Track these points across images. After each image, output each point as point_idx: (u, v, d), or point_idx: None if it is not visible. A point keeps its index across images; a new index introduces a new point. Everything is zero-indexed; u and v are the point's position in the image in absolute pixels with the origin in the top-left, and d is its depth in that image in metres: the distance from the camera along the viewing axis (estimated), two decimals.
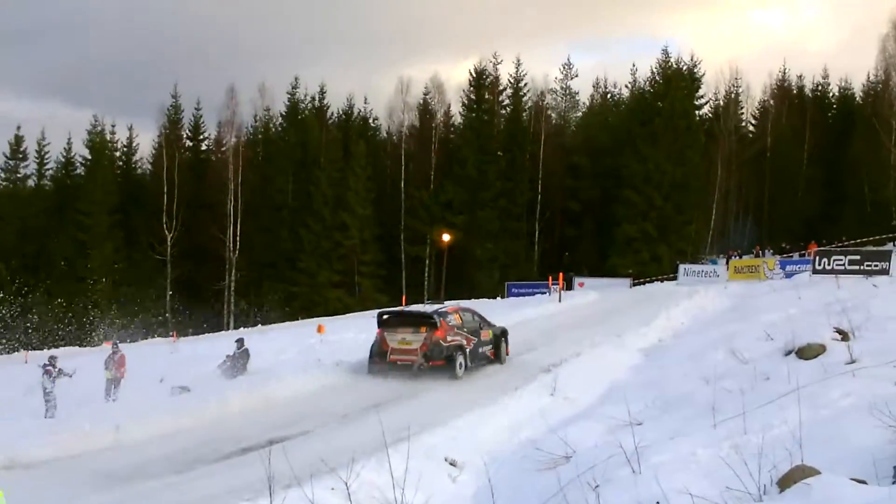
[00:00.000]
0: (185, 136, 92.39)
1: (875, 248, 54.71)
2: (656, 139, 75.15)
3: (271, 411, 21.28)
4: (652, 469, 11.27)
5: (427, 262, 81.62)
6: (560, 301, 49.30)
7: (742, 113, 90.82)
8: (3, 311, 60.82)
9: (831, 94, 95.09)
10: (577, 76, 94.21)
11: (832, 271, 40.44)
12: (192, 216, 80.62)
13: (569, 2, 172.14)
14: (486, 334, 28.36)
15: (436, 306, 29.76)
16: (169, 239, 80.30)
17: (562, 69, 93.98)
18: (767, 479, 9.50)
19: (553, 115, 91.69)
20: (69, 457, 17.26)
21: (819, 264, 43.07)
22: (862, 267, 40.75)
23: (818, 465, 9.37)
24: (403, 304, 61.94)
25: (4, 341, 59.90)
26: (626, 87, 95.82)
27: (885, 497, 8.21)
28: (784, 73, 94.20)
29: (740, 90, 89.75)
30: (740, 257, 65.14)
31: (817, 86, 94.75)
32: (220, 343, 41.98)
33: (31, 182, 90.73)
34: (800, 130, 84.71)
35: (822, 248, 51.16)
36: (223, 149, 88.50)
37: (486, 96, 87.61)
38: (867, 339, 17.64)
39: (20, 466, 16.43)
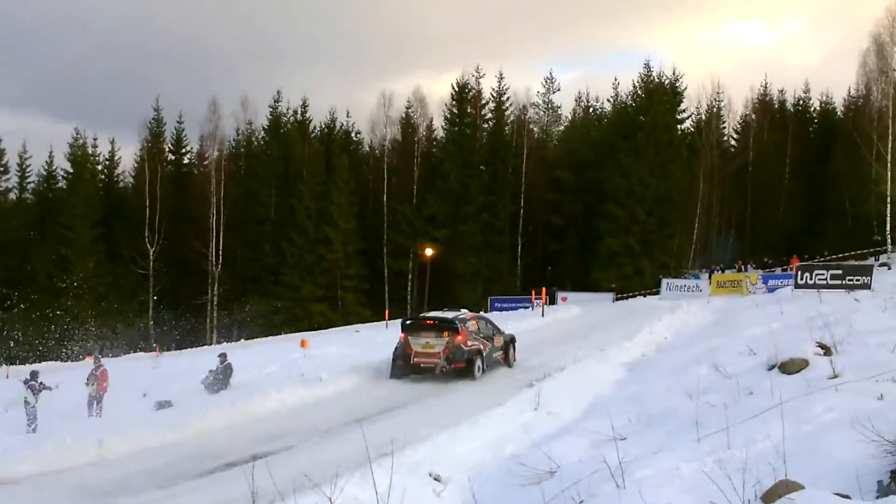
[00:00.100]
0: (167, 149, 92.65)
1: (857, 263, 55.02)
2: (639, 153, 75.25)
3: (254, 426, 21.23)
4: (636, 484, 11.27)
5: (410, 276, 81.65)
6: (543, 315, 49.28)
7: (724, 127, 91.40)
8: None
9: (813, 109, 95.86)
10: (559, 90, 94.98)
11: (814, 286, 40.55)
12: (175, 230, 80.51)
13: (551, 16, 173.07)
14: (499, 340, 30.41)
15: (454, 313, 30.70)
16: (151, 253, 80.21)
17: (544, 83, 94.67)
18: (751, 494, 9.50)
19: (535, 128, 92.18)
20: (51, 472, 17.19)
21: (801, 279, 43.16)
22: (844, 281, 40.85)
23: (802, 480, 9.38)
24: (386, 318, 61.91)
25: None
26: (609, 101, 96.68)
27: None
28: (765, 87, 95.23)
29: (722, 104, 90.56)
30: (723, 272, 65.25)
31: (799, 100, 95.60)
32: (203, 358, 41.98)
33: (12, 195, 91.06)
34: (781, 145, 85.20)
35: (804, 263, 51.35)
36: (205, 162, 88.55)
37: (469, 110, 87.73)
38: (849, 354, 17.68)
39: (1, 482, 16.37)
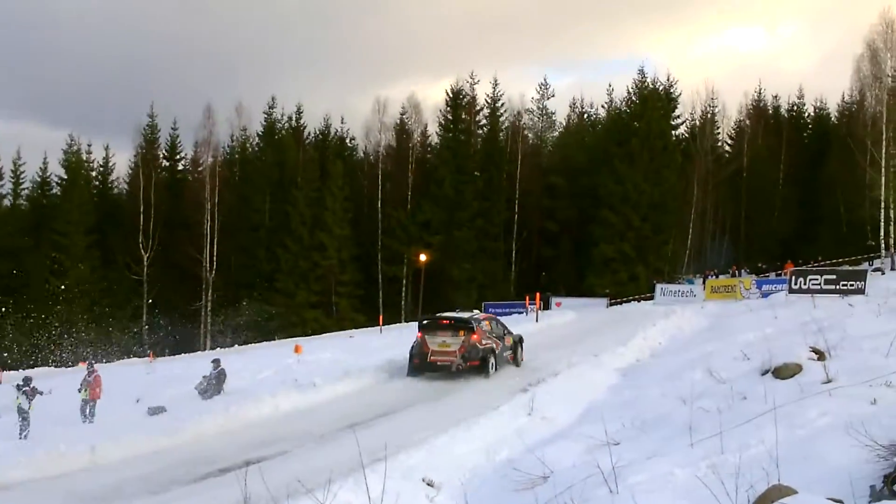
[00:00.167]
0: (161, 155, 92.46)
1: (851, 268, 55.04)
2: (633, 159, 75.35)
3: (248, 431, 21.22)
4: (629, 489, 11.26)
5: (404, 281, 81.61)
6: (537, 321, 49.23)
7: (718, 133, 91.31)
8: None
9: (807, 115, 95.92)
10: (553, 96, 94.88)
11: (808, 291, 40.59)
12: (169, 236, 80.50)
13: (545, 22, 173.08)
14: (508, 340, 31.55)
15: (468, 314, 32.40)
16: (145, 259, 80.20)
17: (538, 89, 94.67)
18: (745, 499, 9.50)
19: (530, 135, 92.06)
20: (44, 478, 17.19)
21: (795, 284, 43.21)
22: (838, 286, 40.91)
23: (795, 485, 9.37)
24: (380, 323, 61.92)
25: None
26: (603, 107, 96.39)
27: None
28: (759, 93, 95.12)
29: (716, 110, 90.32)
30: (717, 277, 65.30)
31: (793, 106, 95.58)
32: (197, 363, 41.99)
33: (6, 202, 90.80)
34: (776, 150, 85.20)
35: (798, 268, 51.38)
36: (200, 168, 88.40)
37: (463, 116, 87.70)
38: (843, 359, 17.68)
39: None
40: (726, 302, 51.78)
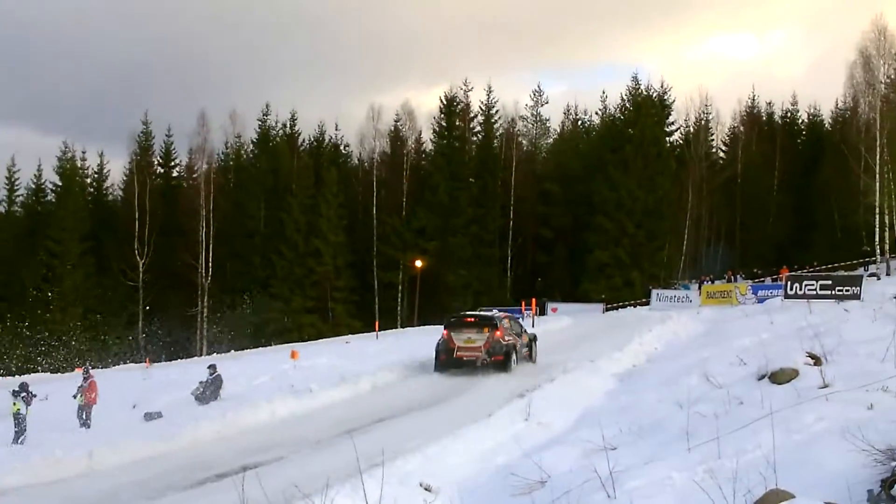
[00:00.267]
0: (156, 162, 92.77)
1: (846, 274, 55.15)
2: (627, 166, 75.41)
3: (245, 437, 21.23)
4: (627, 494, 11.27)
5: (400, 287, 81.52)
6: (533, 326, 49.19)
7: (712, 139, 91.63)
8: None
9: (800, 121, 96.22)
10: (547, 103, 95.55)
11: (804, 296, 40.56)
12: (164, 242, 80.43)
13: (539, 29, 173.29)
14: (525, 338, 33.75)
15: (489, 313, 35.06)
16: (141, 265, 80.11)
17: (532, 96, 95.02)
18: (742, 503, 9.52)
19: (524, 141, 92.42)
20: (41, 484, 17.19)
21: (791, 289, 43.21)
22: (833, 292, 40.87)
23: (792, 490, 9.38)
24: (376, 329, 61.93)
25: None
26: (597, 113, 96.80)
27: None
28: (753, 99, 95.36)
29: (710, 117, 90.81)
30: (712, 282, 65.42)
31: (786, 112, 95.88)
32: (193, 369, 41.96)
33: (1, 209, 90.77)
34: (770, 157, 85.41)
35: (793, 274, 51.47)
36: (195, 175, 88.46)
37: (458, 123, 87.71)
38: (839, 364, 17.69)
39: None
40: (722, 307, 51.82)
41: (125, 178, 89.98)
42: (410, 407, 24.30)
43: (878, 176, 62.94)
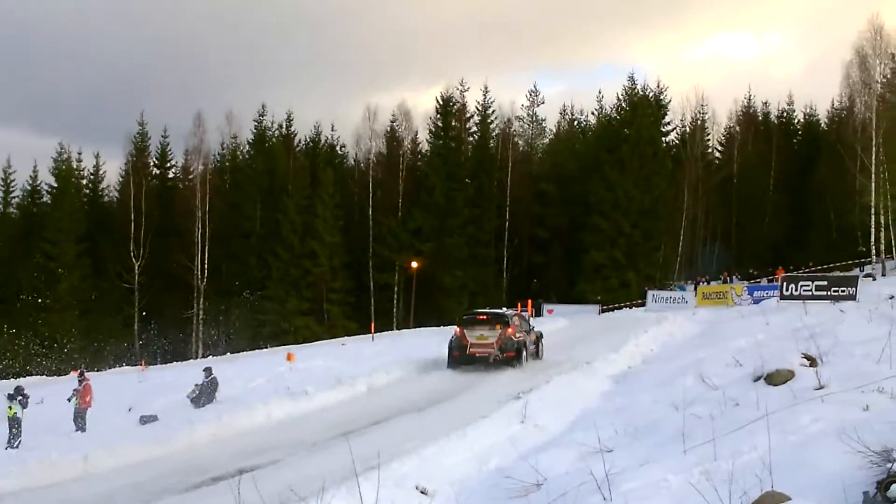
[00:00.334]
0: (152, 163, 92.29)
1: (841, 274, 55.09)
2: (623, 166, 75.28)
3: (240, 440, 21.23)
4: (623, 496, 11.27)
5: (396, 289, 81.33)
6: None
7: (708, 139, 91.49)
8: None
9: (796, 121, 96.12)
10: (543, 103, 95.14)
11: (800, 297, 40.46)
12: (160, 244, 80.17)
13: (535, 30, 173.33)
14: (533, 336, 34.82)
15: (499, 311, 36.45)
16: (136, 267, 79.85)
17: (528, 96, 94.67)
18: None
19: (520, 142, 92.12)
20: (37, 487, 17.21)
21: (786, 290, 43.10)
22: (829, 293, 40.81)
23: (788, 492, 9.38)
24: (372, 331, 61.90)
25: None
26: (593, 113, 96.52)
27: None
28: (749, 99, 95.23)
29: (706, 117, 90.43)
30: (708, 283, 65.35)
31: (782, 112, 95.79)
32: (189, 372, 41.92)
33: None
34: (766, 156, 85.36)
35: (789, 274, 51.38)
36: (190, 176, 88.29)
37: (454, 123, 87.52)
38: (835, 365, 17.70)
39: None
40: (718, 308, 51.85)
41: (121, 180, 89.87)
42: (406, 409, 24.28)
43: (873, 176, 62.92)
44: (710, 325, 41.24)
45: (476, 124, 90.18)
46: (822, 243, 74.13)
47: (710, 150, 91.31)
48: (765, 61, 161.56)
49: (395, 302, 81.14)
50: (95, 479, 17.73)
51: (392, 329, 71.84)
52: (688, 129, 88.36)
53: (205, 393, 32.13)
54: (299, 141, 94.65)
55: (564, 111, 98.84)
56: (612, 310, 65.07)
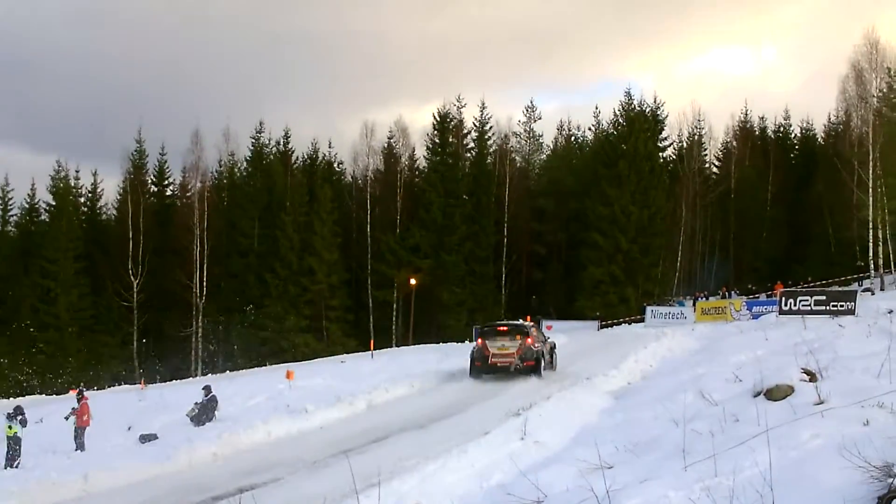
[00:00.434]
0: (150, 181, 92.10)
1: (840, 289, 55.03)
2: (621, 181, 75.31)
3: (240, 458, 21.21)
4: None
5: (394, 305, 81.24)
6: None
7: (705, 154, 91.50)
8: None
9: (793, 135, 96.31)
10: (540, 119, 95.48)
11: (798, 312, 40.55)
12: (159, 262, 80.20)
13: (532, 45, 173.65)
14: (548, 346, 35.95)
15: (519, 322, 37.98)
16: (135, 285, 79.76)
17: (525, 112, 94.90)
18: None
19: (517, 158, 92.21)
20: None
21: (785, 305, 43.20)
22: (828, 307, 40.87)
23: None
24: (371, 348, 61.85)
25: None
26: (590, 129, 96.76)
27: None
28: (746, 114, 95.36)
29: (703, 132, 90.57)
30: (707, 299, 65.31)
31: (779, 127, 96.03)
32: (188, 390, 41.91)
33: None
34: (763, 171, 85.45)
35: (788, 289, 51.39)
36: (188, 194, 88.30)
37: (451, 139, 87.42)
38: (835, 380, 17.68)
39: None
40: (717, 324, 51.86)
41: (119, 198, 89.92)
42: (406, 426, 24.29)
43: (871, 190, 63.02)
44: (710, 340, 41.21)
45: (473, 140, 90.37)
46: (820, 258, 74.26)
47: (707, 166, 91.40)
48: (761, 76, 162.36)
49: (393, 319, 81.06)
50: (95, 499, 17.72)
51: (391, 346, 71.79)
52: (685, 145, 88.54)
53: (204, 411, 32.09)
54: (297, 158, 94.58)
55: (561, 127, 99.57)
56: (612, 326, 65.10)
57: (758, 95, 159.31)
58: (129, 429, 32.16)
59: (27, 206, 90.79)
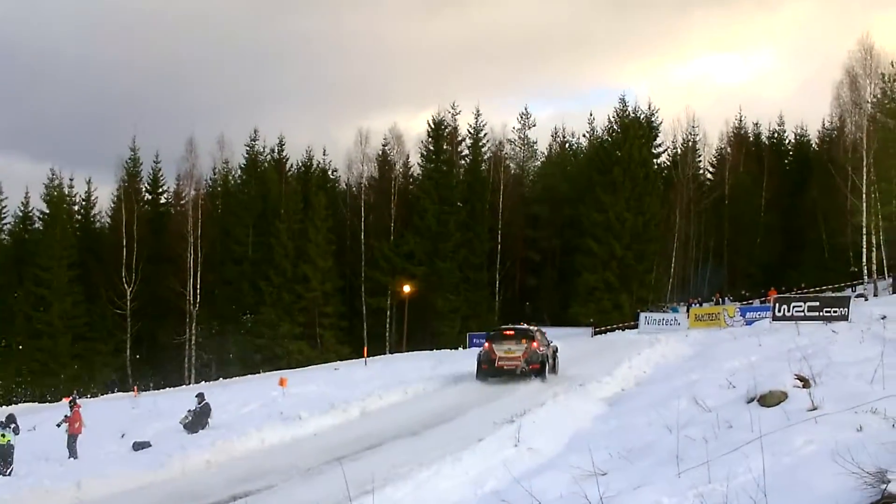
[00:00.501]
0: (144, 188, 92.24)
1: (833, 295, 55.09)
2: (615, 188, 75.22)
3: (234, 465, 21.18)
4: None
5: (388, 312, 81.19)
6: None
7: (699, 161, 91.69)
8: None
9: (787, 141, 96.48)
10: (534, 125, 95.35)
11: (792, 318, 40.59)
12: (152, 270, 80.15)
13: (527, 52, 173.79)
14: (551, 350, 37.13)
15: (525, 327, 38.93)
16: (129, 293, 79.71)
17: (519, 119, 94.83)
18: None
19: (512, 164, 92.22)
20: None
21: (779, 311, 43.27)
22: (821, 313, 40.93)
23: None
24: (365, 355, 61.82)
25: None
26: (584, 136, 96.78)
27: None
28: (740, 120, 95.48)
29: (697, 138, 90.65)
30: (701, 305, 65.37)
31: (773, 133, 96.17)
32: (182, 397, 41.90)
33: None
34: (757, 177, 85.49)
35: (781, 295, 51.47)
36: (182, 201, 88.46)
37: (445, 147, 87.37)
38: (828, 386, 17.66)
39: None
40: (710, 330, 51.80)
41: (113, 205, 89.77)
42: (400, 433, 24.25)
43: (865, 196, 63.13)
44: (703, 346, 41.17)
45: (468, 147, 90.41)
46: (814, 264, 74.31)
47: (701, 172, 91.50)
48: (755, 82, 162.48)
49: (387, 326, 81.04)
50: None
51: (385, 353, 71.83)
52: (679, 151, 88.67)
53: (198, 419, 32.08)
54: (291, 165, 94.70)
55: (556, 134, 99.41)
56: (605, 332, 65.06)
57: (752, 102, 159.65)
58: (123, 436, 32.18)
59: (21, 214, 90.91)
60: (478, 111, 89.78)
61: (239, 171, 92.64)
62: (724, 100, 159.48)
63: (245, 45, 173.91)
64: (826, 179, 70.10)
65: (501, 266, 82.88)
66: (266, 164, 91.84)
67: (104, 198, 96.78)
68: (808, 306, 42.29)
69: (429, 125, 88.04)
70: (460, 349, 63.46)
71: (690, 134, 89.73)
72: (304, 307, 78.75)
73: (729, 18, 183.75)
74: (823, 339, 30.05)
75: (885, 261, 64.53)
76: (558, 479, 15.52)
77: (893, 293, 61.84)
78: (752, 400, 18.14)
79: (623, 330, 64.21)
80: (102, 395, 63.14)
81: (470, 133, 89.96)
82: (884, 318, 35.50)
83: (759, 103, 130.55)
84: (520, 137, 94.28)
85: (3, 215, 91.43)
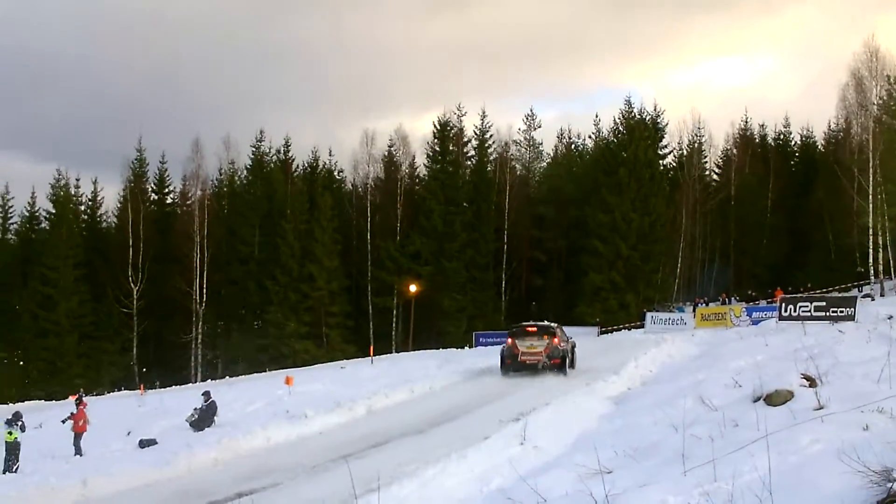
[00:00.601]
0: (150, 189, 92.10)
1: (840, 295, 54.99)
2: (621, 189, 75.18)
3: (240, 463, 21.17)
4: None
5: (394, 312, 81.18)
6: None
7: (706, 162, 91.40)
8: None
9: (793, 143, 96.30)
10: (540, 127, 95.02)
11: (798, 318, 40.48)
12: (159, 269, 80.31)
13: (532, 54, 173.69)
14: (570, 346, 37.97)
15: (546, 323, 40.07)
16: (135, 292, 79.80)
17: (525, 120, 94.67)
18: None
19: (518, 165, 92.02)
20: None
21: (785, 311, 43.12)
22: (827, 313, 40.78)
23: None
24: (371, 354, 61.84)
25: None
26: (590, 137, 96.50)
27: None
28: (746, 121, 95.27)
29: (703, 139, 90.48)
30: (707, 305, 65.33)
31: (779, 134, 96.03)
32: (188, 395, 41.89)
33: None
34: (763, 178, 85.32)
35: (787, 296, 51.36)
36: (189, 202, 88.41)
37: (451, 147, 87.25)
38: (834, 385, 17.65)
39: None
40: (717, 329, 51.85)
41: (119, 205, 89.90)
42: (406, 431, 24.23)
43: (871, 197, 63.03)
44: (709, 346, 41.20)
45: (474, 148, 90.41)
46: (820, 264, 74.16)
47: (707, 173, 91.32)
48: (761, 84, 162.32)
49: (393, 325, 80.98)
50: None
51: (391, 352, 71.77)
52: (685, 152, 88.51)
53: (204, 417, 32.06)
54: (297, 166, 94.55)
55: (562, 135, 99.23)
56: (611, 332, 65.02)
57: (758, 103, 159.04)
58: (129, 434, 32.14)
59: (27, 214, 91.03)
60: (483, 112, 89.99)
61: (245, 172, 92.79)
62: (729, 102, 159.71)
63: (246, 46, 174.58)
64: (832, 181, 69.98)
65: (507, 266, 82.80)
66: (272, 165, 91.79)
67: (110, 198, 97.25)
68: (815, 306, 42.16)
69: (434, 126, 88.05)
70: (466, 348, 63.54)
71: (696, 135, 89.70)
72: (311, 306, 78.73)
73: (734, 20, 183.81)
74: (830, 338, 30.04)
75: (891, 261, 64.41)
76: (564, 477, 15.50)
77: None
78: (758, 399, 18.14)
79: (629, 329, 64.22)
80: (109, 392, 63.23)
81: (476, 134, 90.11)
82: (890, 318, 35.54)
83: (764, 105, 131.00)
84: (525, 138, 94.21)
85: (9, 215, 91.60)
